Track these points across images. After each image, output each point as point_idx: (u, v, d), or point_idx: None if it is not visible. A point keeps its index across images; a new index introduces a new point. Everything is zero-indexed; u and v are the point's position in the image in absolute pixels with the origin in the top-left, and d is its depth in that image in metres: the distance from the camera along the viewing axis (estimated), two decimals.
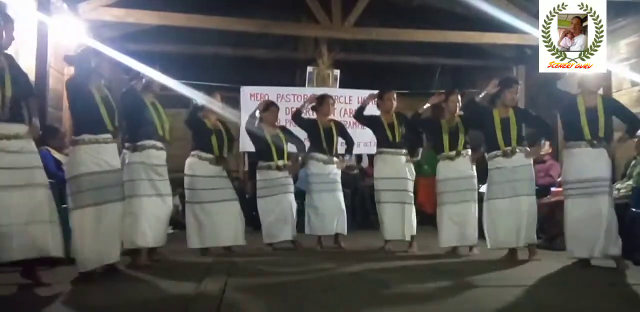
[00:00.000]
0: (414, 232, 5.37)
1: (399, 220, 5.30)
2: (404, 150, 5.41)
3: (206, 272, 3.90)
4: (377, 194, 5.45)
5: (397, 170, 5.35)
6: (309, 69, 8.27)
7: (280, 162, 5.39)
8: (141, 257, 4.35)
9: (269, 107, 5.55)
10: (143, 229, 4.30)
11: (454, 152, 5.08)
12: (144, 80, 4.42)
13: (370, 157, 7.20)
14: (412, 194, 5.41)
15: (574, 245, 4.29)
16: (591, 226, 4.17)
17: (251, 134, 5.52)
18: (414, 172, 5.47)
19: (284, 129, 5.66)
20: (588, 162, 4.24)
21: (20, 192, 3.25)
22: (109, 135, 3.78)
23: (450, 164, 5.10)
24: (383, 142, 5.45)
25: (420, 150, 5.50)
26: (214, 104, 5.11)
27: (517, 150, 4.64)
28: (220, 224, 4.97)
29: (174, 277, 3.79)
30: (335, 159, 5.58)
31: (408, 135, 5.44)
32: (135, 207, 4.28)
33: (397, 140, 5.36)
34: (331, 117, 5.76)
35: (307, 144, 5.76)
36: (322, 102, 5.65)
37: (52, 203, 3.45)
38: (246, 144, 7.46)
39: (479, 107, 4.86)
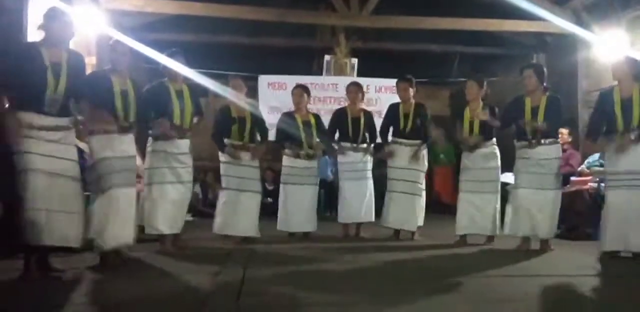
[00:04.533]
0: (421, 223, 5.38)
1: (408, 210, 5.29)
2: (417, 141, 5.36)
3: (226, 260, 3.95)
4: (388, 182, 5.46)
5: (408, 160, 5.33)
6: (327, 57, 8.26)
7: (310, 151, 5.40)
8: (166, 244, 4.44)
9: (293, 90, 5.57)
10: (163, 215, 4.39)
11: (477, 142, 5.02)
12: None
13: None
14: (422, 186, 5.39)
15: (608, 237, 4.21)
16: (629, 220, 4.09)
17: (284, 128, 5.48)
18: (426, 164, 5.44)
19: (317, 117, 5.60)
20: (625, 154, 4.13)
21: (55, 180, 3.35)
22: (121, 126, 3.86)
23: (473, 153, 5.06)
24: (396, 131, 5.45)
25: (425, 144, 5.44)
26: (233, 93, 5.11)
27: (546, 142, 4.58)
28: (240, 213, 4.98)
29: (193, 265, 3.84)
30: (363, 146, 5.57)
31: (423, 126, 5.38)
32: (156, 193, 4.39)
33: (407, 130, 5.33)
34: (361, 106, 5.74)
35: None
36: (346, 90, 5.71)
37: (80, 196, 3.55)
38: None
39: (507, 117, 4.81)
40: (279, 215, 5.46)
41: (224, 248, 4.66)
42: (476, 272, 3.64)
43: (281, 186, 5.51)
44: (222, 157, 5.09)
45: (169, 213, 4.43)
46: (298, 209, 5.37)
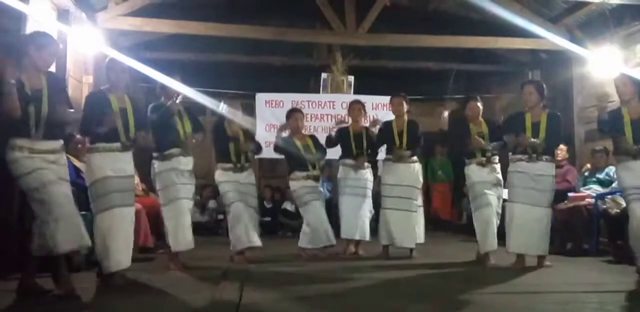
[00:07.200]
0: (421, 240, 5.35)
1: (404, 227, 5.26)
2: (413, 158, 5.39)
3: (222, 279, 3.93)
4: (382, 200, 5.45)
5: (403, 177, 5.33)
6: (324, 75, 8.30)
7: (316, 172, 5.42)
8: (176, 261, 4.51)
9: (290, 114, 5.59)
10: (186, 231, 4.50)
11: (484, 158, 5.02)
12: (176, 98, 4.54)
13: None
14: (417, 202, 5.38)
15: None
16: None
17: (282, 150, 5.49)
18: (421, 181, 5.45)
19: (313, 137, 5.64)
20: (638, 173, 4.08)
21: (67, 190, 3.43)
22: (120, 144, 3.89)
23: (480, 169, 5.03)
24: (390, 149, 5.46)
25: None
26: (232, 112, 5.15)
27: (544, 158, 4.58)
28: (252, 227, 4.98)
29: (190, 284, 3.82)
30: (366, 164, 5.61)
31: (418, 143, 5.42)
32: (176, 210, 4.47)
33: (403, 147, 5.34)
34: (363, 123, 5.79)
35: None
36: (348, 108, 5.76)
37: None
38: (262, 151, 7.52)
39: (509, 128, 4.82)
40: (308, 233, 5.29)
41: (219, 267, 4.63)
42: (471, 289, 3.64)
43: (306, 205, 5.35)
44: (219, 176, 5.07)
45: (189, 230, 4.53)
46: (324, 223, 5.29)
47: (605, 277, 4.18)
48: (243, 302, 3.13)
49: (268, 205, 8.24)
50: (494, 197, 4.99)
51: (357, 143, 5.56)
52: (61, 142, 3.55)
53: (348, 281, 4.00)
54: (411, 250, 5.35)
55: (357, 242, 5.58)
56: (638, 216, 4.09)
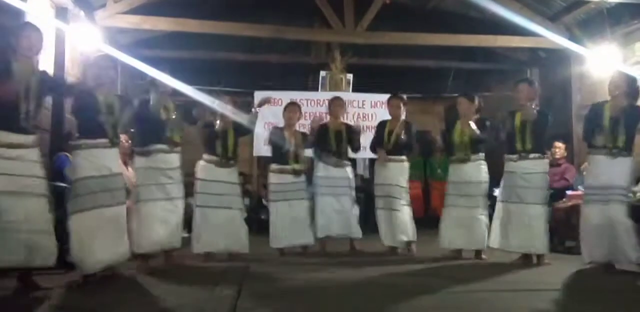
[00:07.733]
0: (411, 238, 5.35)
1: (389, 226, 5.31)
2: (400, 157, 5.39)
3: (220, 277, 3.92)
4: (375, 200, 5.51)
5: (387, 176, 5.36)
6: (322, 73, 8.30)
7: (297, 166, 5.37)
8: (150, 261, 4.38)
9: (287, 107, 5.58)
10: (151, 232, 4.31)
11: (467, 156, 5.03)
12: (159, 89, 4.45)
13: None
14: (401, 201, 5.35)
15: (587, 250, 4.28)
16: (604, 233, 4.14)
17: (274, 142, 5.48)
18: (407, 179, 5.44)
19: (304, 134, 5.57)
20: (606, 169, 4.21)
21: (16, 198, 3.29)
22: (107, 140, 3.84)
23: (461, 167, 5.06)
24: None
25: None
26: (226, 109, 5.09)
27: (531, 156, 4.61)
28: (221, 230, 4.86)
29: (187, 282, 3.80)
30: (346, 162, 5.56)
31: (409, 144, 5.43)
32: (144, 211, 4.32)
33: (390, 147, 5.35)
34: (342, 120, 5.76)
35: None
36: (330, 104, 5.70)
37: (47, 214, 3.46)
38: (260, 149, 7.52)
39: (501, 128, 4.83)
40: (270, 233, 5.36)
41: (218, 265, 4.62)
42: (471, 287, 3.63)
43: (270, 203, 5.44)
44: (198, 174, 4.98)
45: (160, 230, 4.35)
46: (288, 224, 5.29)
47: (604, 276, 4.18)
48: (241, 302, 3.12)
49: (267, 203, 8.22)
50: (461, 198, 5.00)
51: (337, 140, 5.50)
52: (33, 137, 3.48)
53: (348, 281, 3.99)
54: (408, 247, 5.36)
55: (352, 240, 5.56)
56: (588, 219, 4.24)
